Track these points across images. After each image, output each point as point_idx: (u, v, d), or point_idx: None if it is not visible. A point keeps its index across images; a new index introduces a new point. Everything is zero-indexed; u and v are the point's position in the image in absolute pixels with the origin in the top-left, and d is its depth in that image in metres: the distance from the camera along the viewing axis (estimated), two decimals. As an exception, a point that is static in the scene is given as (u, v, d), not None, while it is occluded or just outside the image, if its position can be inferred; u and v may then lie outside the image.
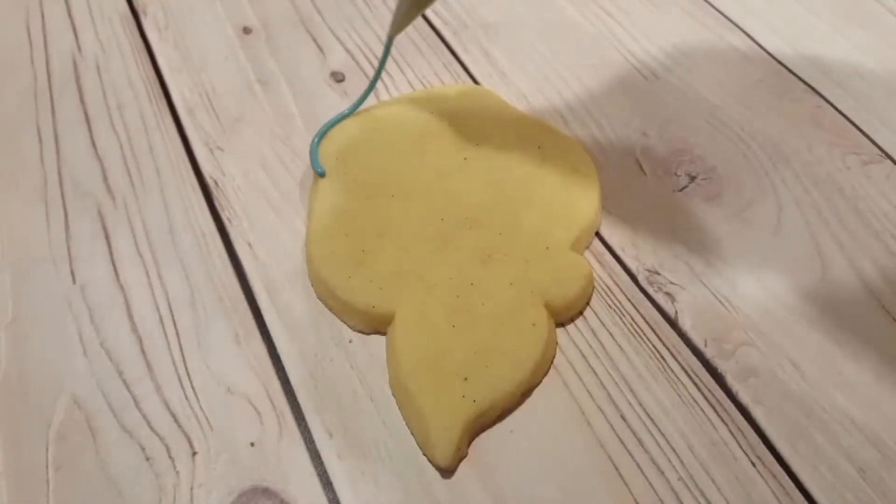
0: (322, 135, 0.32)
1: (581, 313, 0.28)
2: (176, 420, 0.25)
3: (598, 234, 0.31)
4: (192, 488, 0.24)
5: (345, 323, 0.28)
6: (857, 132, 0.34)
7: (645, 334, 0.28)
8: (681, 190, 0.32)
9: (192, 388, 0.26)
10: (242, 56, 0.37)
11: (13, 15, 0.39)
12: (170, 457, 0.25)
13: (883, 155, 0.33)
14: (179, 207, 0.31)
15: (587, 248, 0.30)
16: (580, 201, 0.30)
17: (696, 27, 0.39)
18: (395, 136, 0.32)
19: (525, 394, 0.26)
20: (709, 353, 0.27)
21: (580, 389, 0.26)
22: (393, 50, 0.38)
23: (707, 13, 0.40)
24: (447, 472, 0.24)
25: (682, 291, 0.29)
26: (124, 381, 0.26)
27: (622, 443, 0.25)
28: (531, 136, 0.32)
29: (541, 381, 0.26)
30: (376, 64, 0.37)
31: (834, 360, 0.27)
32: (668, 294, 0.29)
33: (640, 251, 0.30)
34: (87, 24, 0.39)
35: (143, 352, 0.27)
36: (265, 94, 0.36)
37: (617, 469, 0.24)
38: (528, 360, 0.26)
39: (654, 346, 0.27)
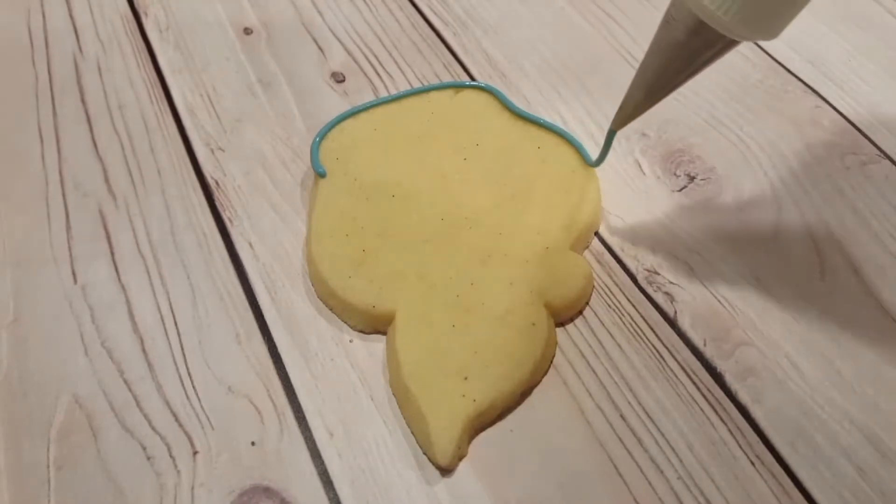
0: (323, 135, 0.32)
1: (581, 313, 0.28)
2: (177, 419, 0.25)
3: (597, 234, 0.31)
4: (192, 487, 0.24)
5: (345, 323, 0.28)
6: (856, 132, 0.34)
7: (644, 334, 0.28)
8: (680, 190, 0.32)
9: (193, 387, 0.26)
10: (243, 57, 0.37)
11: (14, 15, 0.39)
12: (171, 456, 0.25)
13: (882, 155, 0.33)
14: (180, 207, 0.31)
15: (587, 248, 0.30)
16: (580, 201, 0.30)
17: (695, 28, 0.39)
18: (395, 136, 0.32)
19: (525, 393, 0.26)
20: (708, 352, 0.27)
21: (580, 389, 0.26)
22: (393, 50, 0.38)
23: (707, 14, 0.40)
24: (447, 471, 0.24)
25: (681, 291, 0.29)
26: (125, 381, 0.26)
27: (621, 442, 0.25)
28: (531, 136, 0.32)
29: (540, 381, 0.26)
30: (377, 64, 0.37)
31: (833, 359, 0.27)
32: (667, 294, 0.29)
33: (639, 251, 0.30)
34: (88, 24, 0.39)
35: (144, 351, 0.27)
36: (266, 95, 0.36)
37: (616, 468, 0.25)
38: (528, 360, 0.26)
39: (653, 345, 0.27)
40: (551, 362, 0.27)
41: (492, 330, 0.26)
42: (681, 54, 0.24)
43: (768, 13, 0.22)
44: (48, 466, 0.24)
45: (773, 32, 0.23)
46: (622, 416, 0.26)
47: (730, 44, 0.23)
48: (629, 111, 0.27)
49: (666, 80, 0.25)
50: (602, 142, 0.29)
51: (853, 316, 0.28)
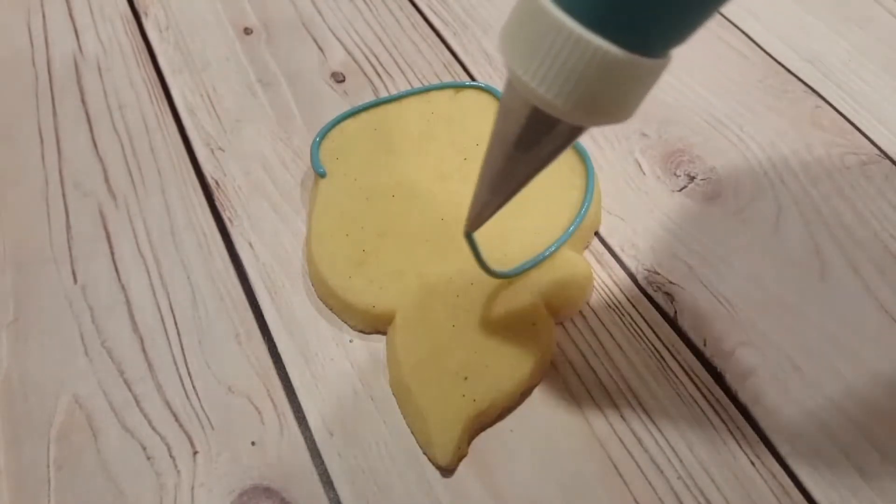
0: (323, 135, 0.32)
1: (581, 313, 0.28)
2: (177, 419, 0.25)
3: (597, 233, 0.31)
4: (193, 487, 0.24)
5: (345, 323, 0.28)
6: (856, 132, 0.34)
7: (644, 334, 0.28)
8: (680, 190, 0.32)
9: (194, 387, 0.26)
10: (243, 56, 0.37)
11: (14, 15, 0.39)
12: (171, 456, 0.25)
13: (882, 155, 0.33)
14: (181, 207, 0.31)
15: (587, 247, 0.30)
16: (579, 201, 0.30)
17: (695, 27, 0.39)
18: (395, 136, 0.32)
19: (525, 393, 0.26)
20: (708, 352, 0.27)
21: (580, 389, 0.26)
22: (393, 50, 0.38)
23: (706, 14, 0.40)
24: (447, 471, 0.24)
25: (681, 291, 0.29)
26: (125, 381, 0.26)
27: (621, 442, 0.25)
28: (531, 136, 0.32)
29: (540, 381, 0.26)
30: (377, 64, 0.37)
31: (833, 359, 0.27)
32: (667, 294, 0.29)
33: (639, 251, 0.30)
34: (88, 24, 0.39)
35: (144, 351, 0.27)
36: (266, 95, 0.36)
37: (616, 468, 0.25)
38: (528, 360, 0.26)
39: (653, 345, 0.27)
40: (551, 362, 0.27)
41: (492, 330, 0.26)
42: (521, 147, 0.20)
43: (613, 95, 0.18)
44: (48, 466, 0.24)
45: (621, 115, 0.19)
46: (622, 416, 0.26)
47: (575, 131, 0.19)
48: (479, 212, 0.23)
49: (511, 177, 0.21)
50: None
51: (853, 315, 0.28)
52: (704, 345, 0.27)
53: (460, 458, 0.25)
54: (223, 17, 0.39)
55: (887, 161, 0.33)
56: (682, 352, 0.27)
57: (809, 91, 0.36)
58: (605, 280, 0.29)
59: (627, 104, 0.18)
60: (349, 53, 0.38)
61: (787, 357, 0.27)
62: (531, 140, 0.20)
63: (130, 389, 0.26)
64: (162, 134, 0.34)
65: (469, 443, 0.25)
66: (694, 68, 0.37)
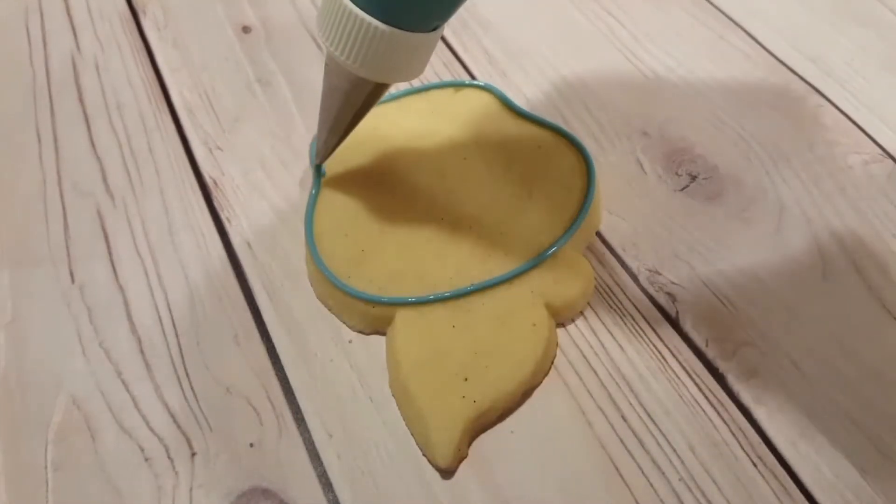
0: (322, 134, 0.32)
1: (582, 313, 0.28)
2: (175, 420, 0.25)
3: (598, 233, 0.31)
4: (191, 489, 0.24)
5: (344, 323, 0.28)
6: (859, 131, 0.34)
7: (646, 334, 0.28)
8: (682, 189, 0.32)
9: (192, 388, 0.26)
10: (242, 56, 0.37)
11: (12, 15, 0.39)
12: (169, 457, 0.25)
13: (884, 154, 0.33)
14: (179, 207, 0.31)
15: (587, 247, 0.30)
16: (580, 201, 0.30)
17: (697, 26, 0.39)
18: (395, 136, 0.32)
19: (525, 394, 0.26)
20: (710, 353, 0.27)
21: (580, 390, 0.26)
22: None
23: (708, 12, 0.40)
24: (447, 472, 0.24)
25: (682, 291, 0.29)
26: (123, 382, 0.26)
27: (623, 443, 0.25)
28: (531, 135, 0.32)
29: (541, 382, 0.26)
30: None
31: (835, 359, 0.27)
32: (668, 294, 0.29)
33: (640, 251, 0.30)
34: (86, 23, 0.39)
35: (142, 352, 0.27)
36: (265, 94, 0.36)
37: (617, 469, 0.24)
38: (529, 361, 0.26)
39: (654, 346, 0.27)
40: (552, 363, 0.27)
41: (492, 330, 0.26)
42: (343, 96, 0.26)
43: (392, 59, 0.24)
44: (46, 467, 0.24)
45: (407, 75, 0.25)
46: (623, 418, 0.26)
47: (380, 86, 0.25)
48: (321, 148, 0.29)
49: (341, 120, 0.27)
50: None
51: (855, 316, 0.28)
52: (706, 345, 0.27)
53: (460, 460, 0.24)
54: (222, 16, 0.39)
55: (889, 160, 0.33)
56: (684, 352, 0.27)
57: (811, 90, 0.36)
58: (606, 280, 0.29)
59: (409, 65, 0.24)
60: (349, 52, 0.37)
61: (789, 357, 0.27)
62: (346, 91, 0.26)
63: (128, 390, 0.26)
64: (160, 133, 0.34)
65: (469, 444, 0.25)
66: (696, 67, 0.37)
